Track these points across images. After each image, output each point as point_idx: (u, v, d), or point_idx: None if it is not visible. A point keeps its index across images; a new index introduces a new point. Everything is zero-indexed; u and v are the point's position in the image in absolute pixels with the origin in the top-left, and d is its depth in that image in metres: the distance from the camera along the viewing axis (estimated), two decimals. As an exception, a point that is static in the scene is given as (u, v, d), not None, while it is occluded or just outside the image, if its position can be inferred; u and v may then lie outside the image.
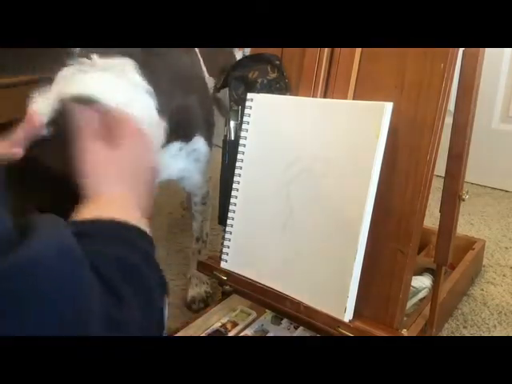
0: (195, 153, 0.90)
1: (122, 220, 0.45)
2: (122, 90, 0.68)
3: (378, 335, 0.70)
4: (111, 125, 0.54)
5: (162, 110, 0.74)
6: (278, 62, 0.85)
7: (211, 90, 1.07)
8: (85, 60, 0.68)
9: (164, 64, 0.79)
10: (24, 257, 0.29)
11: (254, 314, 0.90)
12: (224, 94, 1.11)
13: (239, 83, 0.89)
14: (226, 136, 0.89)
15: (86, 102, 0.59)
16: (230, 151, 0.88)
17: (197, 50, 1.00)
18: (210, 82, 1.08)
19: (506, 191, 1.73)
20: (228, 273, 0.86)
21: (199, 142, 0.90)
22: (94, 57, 0.69)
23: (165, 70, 0.78)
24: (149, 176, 0.56)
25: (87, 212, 0.46)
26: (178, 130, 0.81)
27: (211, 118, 0.96)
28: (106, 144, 0.52)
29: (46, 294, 0.30)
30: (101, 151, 0.51)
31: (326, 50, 0.80)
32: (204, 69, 1.01)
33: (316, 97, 0.81)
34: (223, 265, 0.87)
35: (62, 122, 0.55)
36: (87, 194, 0.49)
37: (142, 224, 0.47)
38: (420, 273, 1.01)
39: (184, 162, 0.89)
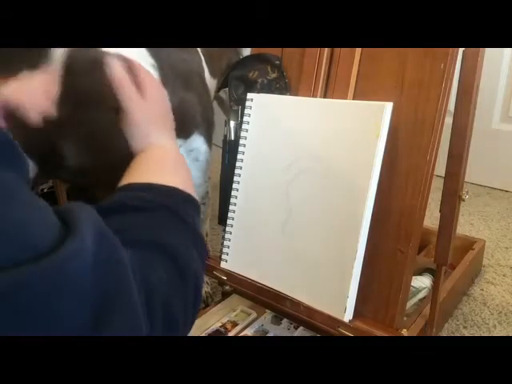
0: (194, 152, 0.90)
1: (179, 191, 0.46)
2: None
3: (378, 335, 0.70)
4: (139, 77, 0.56)
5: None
6: (277, 62, 0.86)
7: (213, 91, 1.07)
8: None
9: (168, 58, 0.79)
10: (69, 256, 0.29)
11: (254, 314, 0.90)
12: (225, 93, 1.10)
13: (239, 83, 0.89)
14: (225, 136, 0.89)
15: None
16: (230, 151, 0.88)
17: (199, 49, 1.00)
18: (213, 83, 1.08)
19: (506, 191, 1.73)
20: (228, 273, 0.86)
21: (198, 141, 0.90)
22: None
23: (168, 63, 0.78)
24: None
25: (140, 171, 0.48)
26: (177, 126, 0.81)
27: (211, 117, 0.96)
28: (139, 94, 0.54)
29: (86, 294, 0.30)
30: (139, 101, 0.53)
31: (326, 49, 0.80)
32: (206, 68, 1.01)
33: (316, 97, 0.81)
34: (223, 265, 0.87)
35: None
36: (136, 145, 0.52)
37: (190, 175, 0.50)
38: (420, 273, 1.01)
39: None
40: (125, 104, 0.53)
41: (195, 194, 0.50)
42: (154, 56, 0.73)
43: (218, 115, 1.23)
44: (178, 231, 0.43)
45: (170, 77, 0.77)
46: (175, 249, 0.40)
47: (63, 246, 0.29)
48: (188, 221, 0.45)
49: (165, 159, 0.52)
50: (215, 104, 1.32)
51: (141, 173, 0.49)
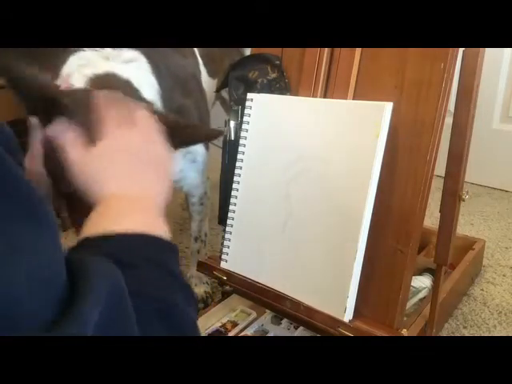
0: (191, 154, 0.90)
1: (152, 236, 0.40)
2: (144, 88, 0.68)
3: (378, 335, 0.70)
4: (123, 111, 0.49)
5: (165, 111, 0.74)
6: (278, 62, 0.85)
7: (212, 92, 1.07)
8: (105, 49, 0.67)
9: (166, 64, 0.79)
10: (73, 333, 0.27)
11: (254, 314, 0.90)
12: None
13: (239, 83, 0.89)
14: (225, 136, 0.89)
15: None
16: (230, 151, 0.88)
17: (196, 51, 1.00)
18: (213, 84, 1.08)
19: (506, 191, 1.73)
20: (228, 273, 0.86)
21: None
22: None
23: (167, 70, 0.78)
24: (166, 170, 0.50)
25: (99, 222, 0.41)
26: None
27: (207, 119, 0.96)
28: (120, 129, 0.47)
29: None
30: (80, 154, 0.46)
31: (326, 49, 0.80)
32: (203, 71, 1.01)
33: (316, 97, 0.81)
34: (223, 265, 0.87)
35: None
36: (94, 194, 0.45)
37: (165, 230, 0.43)
38: (420, 273, 1.01)
39: (180, 163, 0.89)
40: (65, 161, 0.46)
41: (168, 236, 0.44)
42: (153, 64, 0.73)
43: (219, 115, 1.23)
44: (167, 287, 0.38)
45: (170, 85, 0.77)
46: (174, 314, 0.37)
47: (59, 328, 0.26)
48: (172, 270, 0.40)
49: (126, 208, 0.44)
50: (217, 104, 1.32)
51: (99, 223, 0.41)
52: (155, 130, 0.51)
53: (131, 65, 0.69)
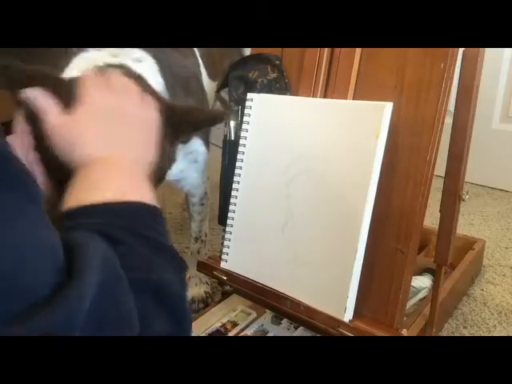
0: (192, 154, 0.90)
1: (139, 202, 0.39)
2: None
3: (378, 335, 0.70)
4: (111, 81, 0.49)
5: None
6: (278, 62, 0.85)
7: (212, 93, 1.07)
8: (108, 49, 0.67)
9: (168, 63, 0.79)
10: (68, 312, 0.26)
11: (253, 314, 0.90)
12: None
13: (239, 83, 0.89)
14: (225, 136, 0.89)
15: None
16: (230, 151, 0.88)
17: (196, 52, 1.00)
18: (213, 85, 1.08)
19: (506, 191, 1.73)
20: (228, 273, 0.86)
21: (196, 144, 0.90)
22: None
23: (170, 69, 0.78)
24: (150, 133, 0.49)
25: (82, 188, 0.40)
26: None
27: None
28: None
29: None
30: (58, 116, 0.45)
31: (326, 49, 0.79)
32: (204, 72, 1.01)
33: (316, 97, 0.81)
34: (223, 265, 0.87)
35: None
36: (76, 160, 0.44)
37: (149, 193, 0.42)
38: (420, 273, 1.01)
39: (181, 163, 0.88)
40: (44, 123, 0.46)
41: (152, 199, 0.42)
42: (159, 64, 0.74)
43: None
44: (150, 260, 0.37)
45: (172, 83, 0.77)
46: (164, 289, 0.36)
47: (56, 302, 0.26)
48: (155, 238, 0.39)
49: (111, 172, 0.43)
50: (218, 105, 1.32)
51: (79, 192, 0.40)
52: (137, 93, 0.50)
53: (141, 64, 0.69)
